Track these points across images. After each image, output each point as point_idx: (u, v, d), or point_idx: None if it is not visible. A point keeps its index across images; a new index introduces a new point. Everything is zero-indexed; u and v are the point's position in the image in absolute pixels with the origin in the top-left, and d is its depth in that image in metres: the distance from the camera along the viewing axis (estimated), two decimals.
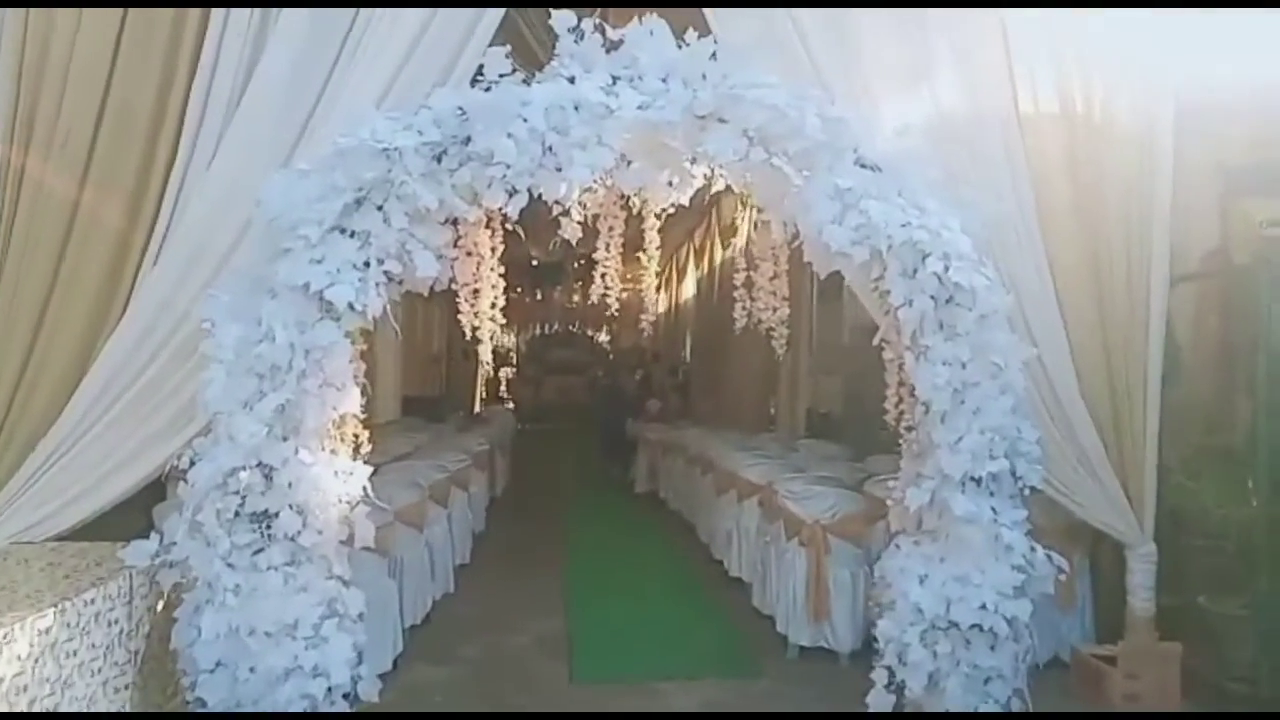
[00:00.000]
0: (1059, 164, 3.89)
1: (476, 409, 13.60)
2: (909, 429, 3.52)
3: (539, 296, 21.89)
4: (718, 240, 14.50)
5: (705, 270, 15.90)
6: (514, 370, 24.07)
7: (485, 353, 3.52)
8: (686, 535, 7.59)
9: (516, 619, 5.09)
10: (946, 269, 3.28)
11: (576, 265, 17.32)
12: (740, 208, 12.59)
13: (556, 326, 23.50)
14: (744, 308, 3.96)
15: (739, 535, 5.77)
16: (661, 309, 22.34)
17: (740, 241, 5.79)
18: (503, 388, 24.20)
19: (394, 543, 4.23)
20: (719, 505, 6.44)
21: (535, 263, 17.61)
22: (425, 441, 7.89)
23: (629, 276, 22.20)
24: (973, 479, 3.27)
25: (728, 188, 4.04)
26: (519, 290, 21.91)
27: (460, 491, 6.01)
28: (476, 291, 3.43)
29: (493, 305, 3.48)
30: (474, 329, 3.44)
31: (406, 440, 7.60)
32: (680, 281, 19.39)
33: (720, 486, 6.42)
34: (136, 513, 3.54)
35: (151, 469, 3.37)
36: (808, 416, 9.79)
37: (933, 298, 3.31)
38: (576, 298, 22.39)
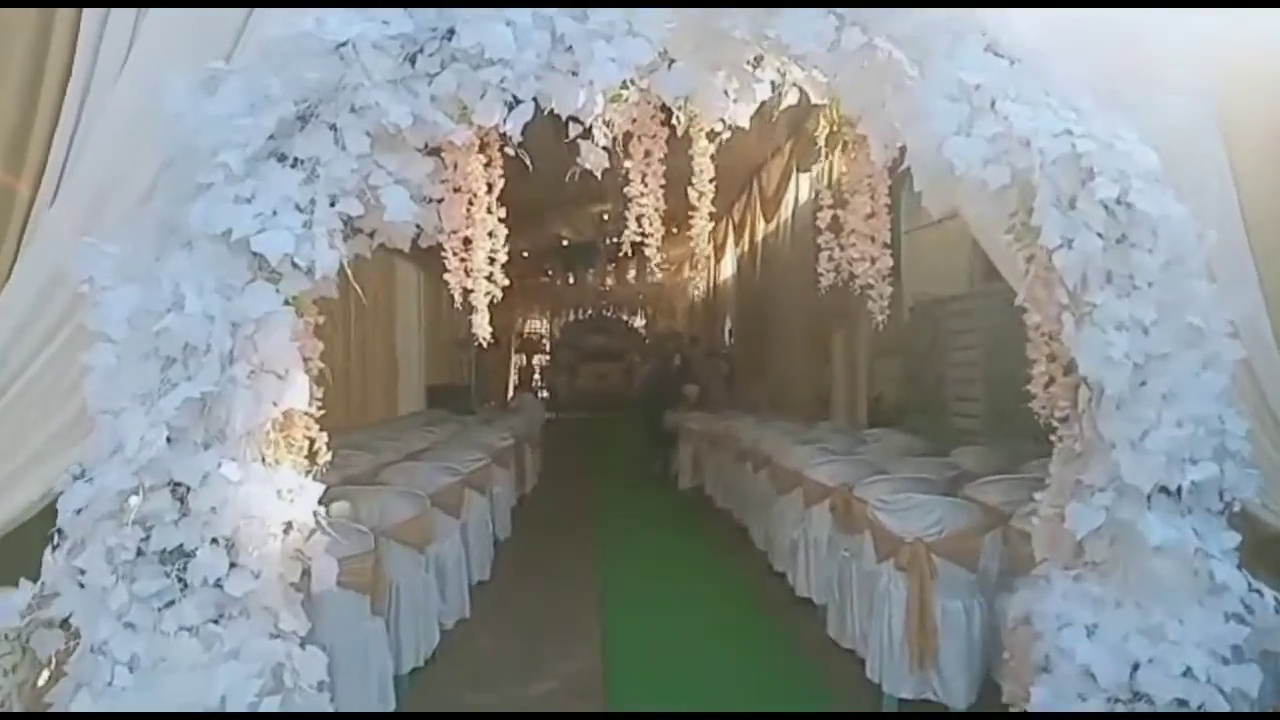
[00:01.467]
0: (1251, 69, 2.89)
1: (509, 397, 12.73)
2: (1062, 420, 2.57)
3: (571, 280, 21.04)
4: (759, 213, 13.50)
5: (746, 247, 14.91)
6: (548, 357, 23.31)
7: (482, 325, 2.59)
8: (739, 540, 6.68)
9: (541, 654, 4.23)
10: (1121, 196, 2.33)
11: (608, 243, 16.41)
12: (789, 176, 11.63)
13: (590, 312, 22.64)
14: (831, 259, 2.98)
15: (807, 547, 4.85)
16: (700, 290, 21.48)
17: (823, 176, 4.81)
18: (536, 376, 23.50)
19: (382, 572, 3.38)
20: (779, 509, 5.52)
21: (565, 243, 16.76)
22: (446, 436, 7.07)
23: (666, 258, 21.23)
24: (1164, 490, 2.32)
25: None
26: (549, 274, 21.16)
27: (478, 496, 5.16)
28: (468, 242, 2.52)
29: (491, 260, 2.55)
30: (465, 291, 2.52)
31: (423, 436, 6.79)
32: (719, 260, 18.40)
33: (781, 486, 5.50)
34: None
35: (43, 490, 2.54)
36: (869, 404, 8.83)
37: (1100, 236, 2.36)
38: (610, 281, 21.57)
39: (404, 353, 11.05)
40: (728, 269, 17.25)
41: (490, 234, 2.60)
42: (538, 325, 25.51)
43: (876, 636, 3.53)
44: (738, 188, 14.96)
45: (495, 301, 2.63)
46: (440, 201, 2.54)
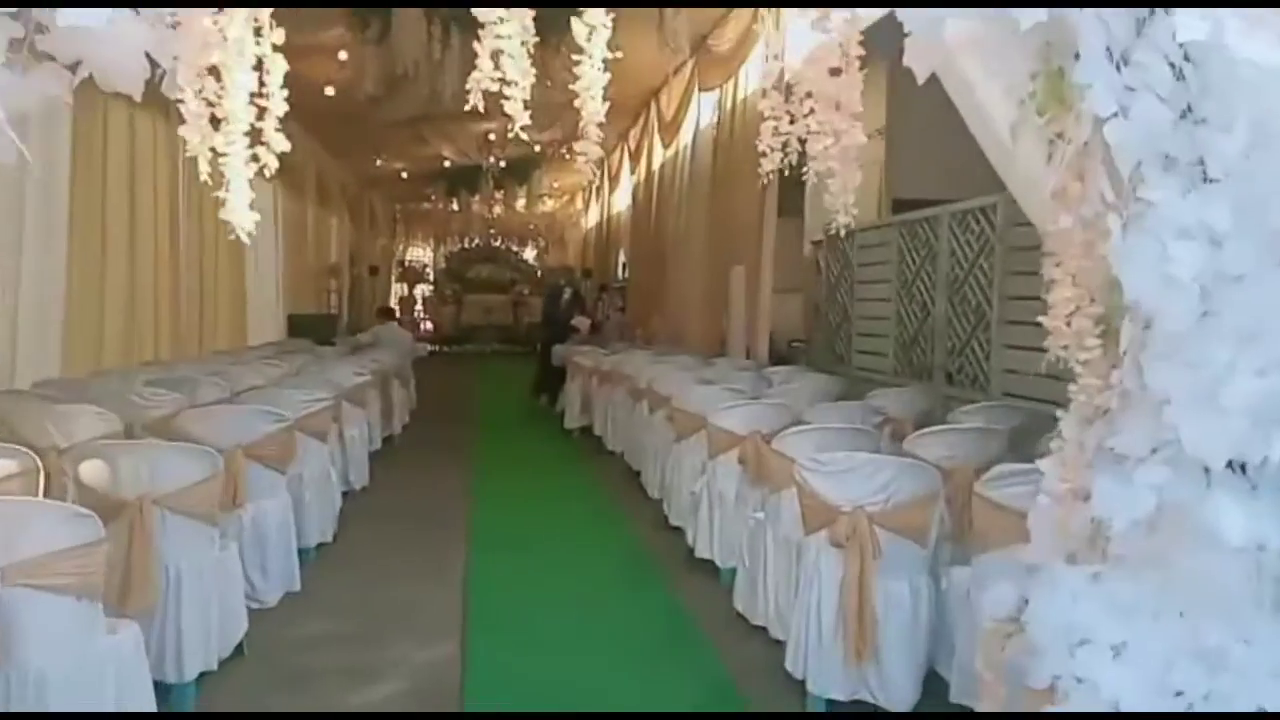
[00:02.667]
0: None
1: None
2: (1085, 366, 1.88)
3: (455, 206, 19.66)
4: (657, 139, 12.62)
5: (643, 175, 14.02)
6: (431, 288, 21.98)
7: (241, 212, 1.66)
8: (631, 488, 5.99)
9: (386, 645, 3.41)
10: (1192, 53, 1.63)
11: (493, 165, 15.22)
12: (689, 98, 10.76)
13: (477, 240, 21.38)
14: (777, 132, 2.16)
15: (710, 502, 4.17)
16: (592, 222, 20.51)
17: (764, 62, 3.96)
18: (418, 307, 22.17)
19: (148, 562, 2.46)
20: (678, 456, 4.82)
21: (447, 163, 15.44)
22: (293, 370, 6.05)
23: (558, 185, 20.17)
24: (1234, 465, 1.67)
25: None
26: (432, 199, 19.74)
27: (315, 444, 4.23)
28: (211, 109, 1.58)
29: (260, 112, 1.62)
30: (215, 156, 1.59)
31: (264, 370, 5.75)
32: (614, 190, 17.46)
33: (681, 430, 4.78)
34: None
35: None
36: (771, 341, 8.25)
37: (1163, 100, 1.65)
38: (499, 209, 20.33)
39: (257, 278, 9.77)
40: (623, 200, 16.34)
41: (259, 67, 1.67)
42: (420, 253, 24.07)
43: (800, 623, 2.87)
44: (633, 114, 14.02)
45: (269, 174, 1.72)
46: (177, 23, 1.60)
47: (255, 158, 1.67)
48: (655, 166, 13.01)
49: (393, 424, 7.66)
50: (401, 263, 23.14)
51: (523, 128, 2.10)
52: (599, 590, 4.10)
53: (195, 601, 2.76)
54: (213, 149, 1.63)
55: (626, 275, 16.29)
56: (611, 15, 2.09)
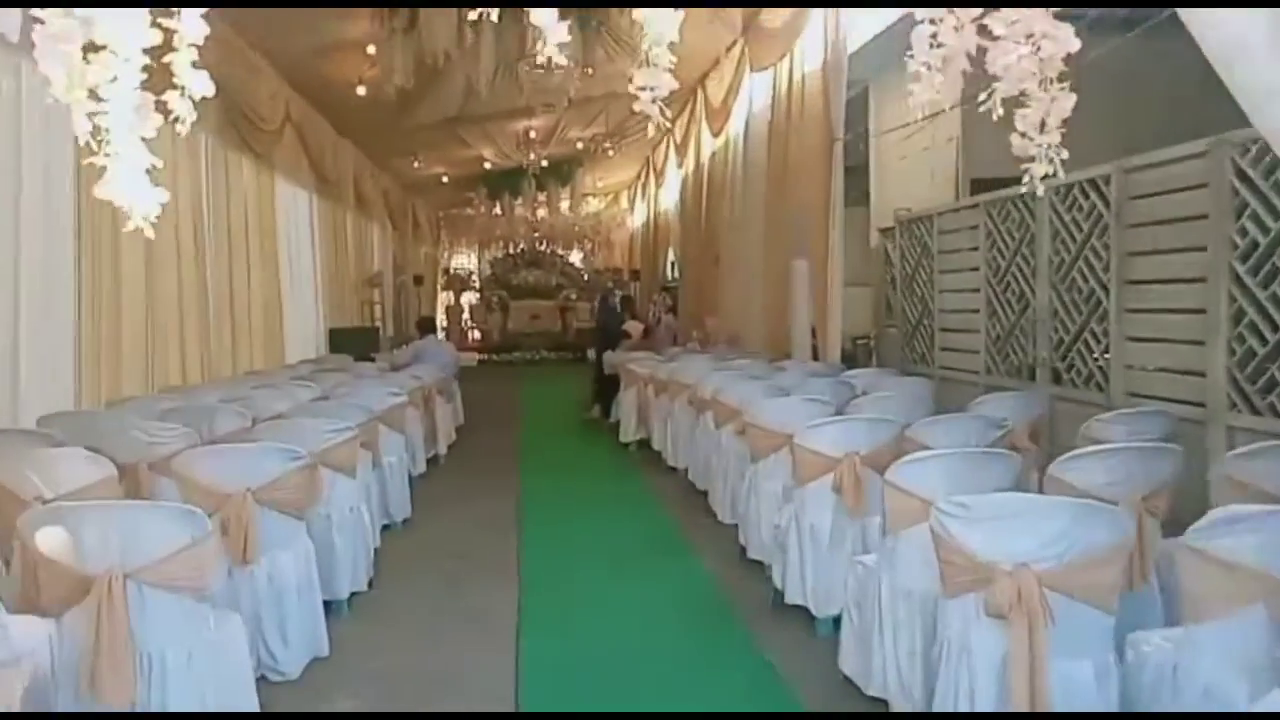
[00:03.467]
0: None
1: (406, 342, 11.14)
2: None
3: (498, 210, 19.22)
4: (705, 128, 11.96)
5: (690, 169, 13.37)
6: (477, 295, 21.56)
7: (134, 197, 1.08)
8: (699, 511, 5.38)
9: (434, 698, 2.85)
10: None
11: (535, 165, 14.68)
12: (739, 80, 10.09)
13: (521, 245, 20.89)
14: (942, 72, 1.51)
15: (800, 537, 3.53)
16: (639, 222, 19.91)
17: None
18: (465, 315, 21.77)
19: (119, 647, 1.93)
20: (755, 480, 4.19)
21: (488, 166, 14.96)
22: (324, 393, 5.55)
23: (600, 183, 19.61)
24: None
25: None
26: (475, 203, 19.32)
27: (342, 479, 3.69)
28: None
29: (158, 73, 1.04)
30: (95, 128, 1.01)
31: (293, 393, 5.26)
32: (660, 186, 16.83)
33: (757, 449, 4.16)
34: None
35: None
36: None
37: None
38: (542, 212, 19.85)
39: (294, 291, 9.36)
40: (670, 196, 15.69)
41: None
42: (465, 260, 23.68)
43: (944, 705, 2.23)
44: (679, 103, 13.38)
45: (182, 130, 1.15)
46: None
47: (161, 107, 1.11)
48: (704, 158, 12.36)
49: (438, 444, 7.16)
50: (446, 270, 22.83)
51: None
52: (671, 645, 3.47)
53: (185, 691, 2.23)
54: (92, 92, 1.07)
55: (676, 275, 15.66)
56: None
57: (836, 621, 3.17)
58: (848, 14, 7.09)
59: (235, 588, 2.96)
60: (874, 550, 3.06)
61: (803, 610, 3.54)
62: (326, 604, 3.43)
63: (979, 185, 7.23)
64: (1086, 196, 4.74)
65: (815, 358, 7.85)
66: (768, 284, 9.08)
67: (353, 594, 3.83)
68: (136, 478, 3.34)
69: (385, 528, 4.90)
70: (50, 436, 3.58)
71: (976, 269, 5.96)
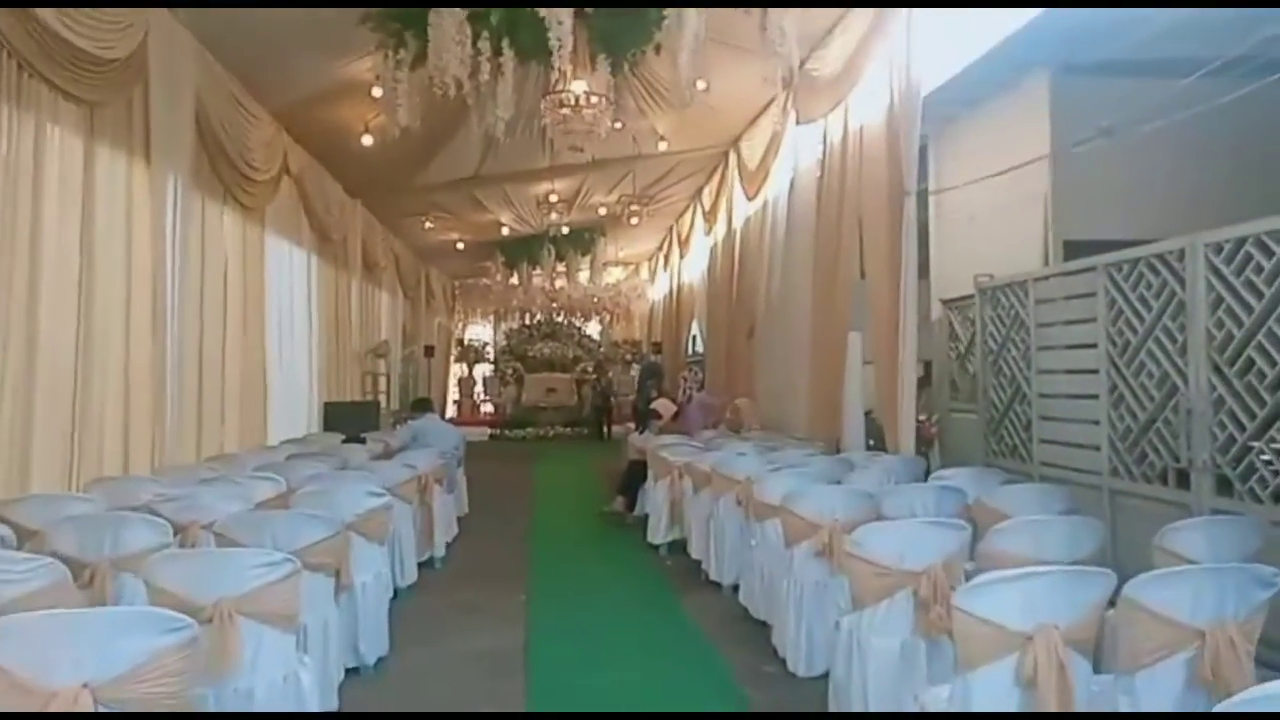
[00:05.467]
0: None
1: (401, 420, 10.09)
2: None
3: (515, 280, 18.37)
4: (739, 191, 11.06)
5: (720, 236, 12.43)
6: (491, 367, 20.57)
7: None
8: (758, 650, 4.16)
9: None
10: None
11: (555, 231, 13.84)
12: (780, 137, 9.20)
13: (538, 316, 19.99)
14: None
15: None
16: (660, 293, 18.99)
17: None
18: (478, 388, 20.76)
19: None
20: (862, 631, 3.02)
21: (505, 231, 14.10)
22: (295, 484, 4.46)
23: (622, 253, 18.70)
24: None
25: None
26: (491, 272, 18.50)
27: (273, 636, 2.56)
28: None
29: None
30: None
31: (249, 490, 4.18)
32: (683, 256, 15.93)
33: (867, 592, 3.00)
34: None
35: None
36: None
37: None
38: (561, 281, 18.99)
39: (284, 363, 8.35)
40: (696, 265, 14.76)
41: None
42: (479, 331, 22.79)
43: None
44: (709, 168, 12.55)
45: None
46: None
47: None
48: (737, 223, 11.43)
49: (434, 543, 6.02)
50: (460, 341, 21.94)
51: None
52: None
53: None
54: None
55: (701, 349, 14.62)
56: None
57: None
58: (917, 55, 6.19)
59: None
60: None
61: None
62: None
63: (1074, 249, 6.19)
64: (1269, 254, 3.67)
65: (870, 446, 6.74)
66: (815, 361, 8.01)
67: None
68: None
69: (352, 671, 3.74)
70: None
71: (1094, 345, 4.86)
